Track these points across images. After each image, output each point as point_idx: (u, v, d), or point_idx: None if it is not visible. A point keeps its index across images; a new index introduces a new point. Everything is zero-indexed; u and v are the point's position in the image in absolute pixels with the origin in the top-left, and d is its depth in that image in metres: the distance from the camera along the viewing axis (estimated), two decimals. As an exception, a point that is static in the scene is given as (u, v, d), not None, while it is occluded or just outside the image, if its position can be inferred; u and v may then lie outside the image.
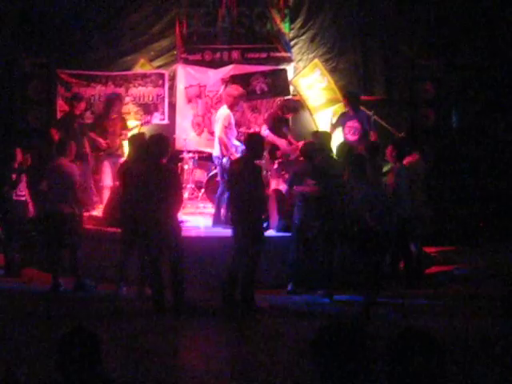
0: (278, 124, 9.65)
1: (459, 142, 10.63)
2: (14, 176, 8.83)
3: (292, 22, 11.09)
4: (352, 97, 9.91)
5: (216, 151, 8.92)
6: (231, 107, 9.04)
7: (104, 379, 2.91)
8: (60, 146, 8.42)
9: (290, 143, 9.71)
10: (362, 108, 9.87)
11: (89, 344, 2.87)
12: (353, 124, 9.77)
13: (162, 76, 10.80)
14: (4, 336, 6.19)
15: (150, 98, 10.71)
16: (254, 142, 7.39)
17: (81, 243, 8.14)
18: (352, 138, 9.68)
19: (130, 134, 9.65)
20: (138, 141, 7.91)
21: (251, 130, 10.48)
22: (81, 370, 2.82)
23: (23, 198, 8.96)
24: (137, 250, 7.61)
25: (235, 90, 9.25)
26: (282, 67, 10.83)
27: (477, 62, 10.62)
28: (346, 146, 8.54)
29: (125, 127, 9.96)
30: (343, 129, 9.82)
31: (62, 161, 8.17)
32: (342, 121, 9.93)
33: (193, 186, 10.27)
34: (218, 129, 8.96)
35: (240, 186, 7.17)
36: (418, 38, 10.92)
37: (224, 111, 9.07)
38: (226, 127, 8.85)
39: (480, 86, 10.64)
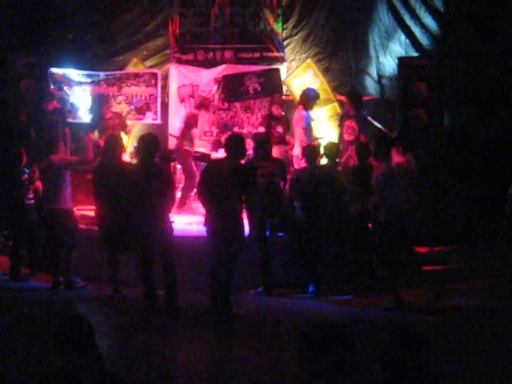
0: (273, 123, 9.73)
1: (451, 143, 10.64)
2: (25, 176, 8.69)
3: (285, 21, 11.10)
4: (353, 97, 9.88)
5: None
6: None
7: (100, 367, 3.08)
8: (48, 143, 8.49)
9: (287, 143, 9.78)
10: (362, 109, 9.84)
11: (83, 329, 3.08)
12: (350, 123, 9.76)
13: (154, 76, 10.78)
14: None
15: (143, 98, 10.70)
16: (234, 143, 6.84)
17: (77, 241, 8.14)
18: (348, 137, 9.70)
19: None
20: (113, 142, 7.95)
21: (244, 130, 10.53)
22: (76, 352, 3.01)
23: (32, 202, 8.78)
24: (121, 251, 7.64)
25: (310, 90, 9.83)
26: (274, 67, 10.84)
27: (470, 62, 10.63)
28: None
29: (124, 125, 9.98)
30: (342, 128, 9.85)
31: (53, 158, 8.18)
32: (341, 120, 9.98)
33: (185, 185, 10.23)
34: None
35: (222, 188, 6.62)
36: (411, 39, 10.94)
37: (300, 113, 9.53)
38: (305, 128, 9.36)
39: (473, 87, 10.66)
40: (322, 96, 10.72)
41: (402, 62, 10.67)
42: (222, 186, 6.61)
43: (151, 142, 7.29)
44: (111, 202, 7.51)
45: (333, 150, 8.30)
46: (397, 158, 8.66)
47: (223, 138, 8.92)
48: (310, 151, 8.22)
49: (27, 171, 8.72)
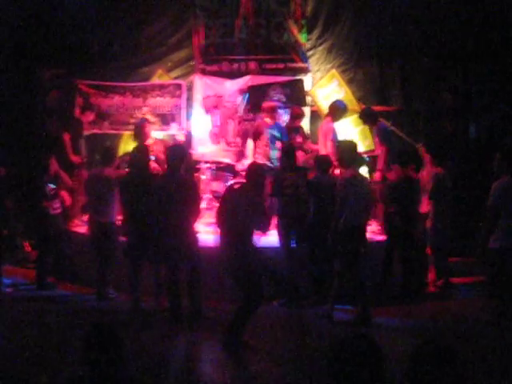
0: (293, 134, 9.76)
1: (477, 153, 10.54)
2: (49, 188, 8.67)
3: (309, 32, 11.11)
4: (363, 115, 9.71)
5: None
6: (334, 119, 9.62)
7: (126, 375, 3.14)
8: (104, 154, 8.47)
9: (308, 150, 9.78)
10: (380, 120, 9.70)
11: (111, 338, 3.13)
12: (374, 137, 9.74)
13: (179, 86, 10.85)
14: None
15: (168, 109, 10.77)
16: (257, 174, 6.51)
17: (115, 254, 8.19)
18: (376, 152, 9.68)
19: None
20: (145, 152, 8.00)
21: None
22: (104, 361, 3.07)
23: (58, 211, 8.82)
24: (145, 262, 7.66)
25: (339, 103, 9.74)
26: (298, 77, 10.85)
27: (495, 72, 10.55)
28: None
29: None
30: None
31: (107, 170, 8.19)
32: None
33: (210, 196, 10.27)
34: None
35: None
36: (436, 48, 10.87)
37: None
38: (333, 141, 9.37)
39: (498, 96, 10.57)
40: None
41: (427, 71, 10.60)
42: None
43: (178, 153, 7.34)
44: (137, 212, 7.55)
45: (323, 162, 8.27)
46: (431, 168, 8.56)
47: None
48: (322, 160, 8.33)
49: (53, 186, 8.72)
